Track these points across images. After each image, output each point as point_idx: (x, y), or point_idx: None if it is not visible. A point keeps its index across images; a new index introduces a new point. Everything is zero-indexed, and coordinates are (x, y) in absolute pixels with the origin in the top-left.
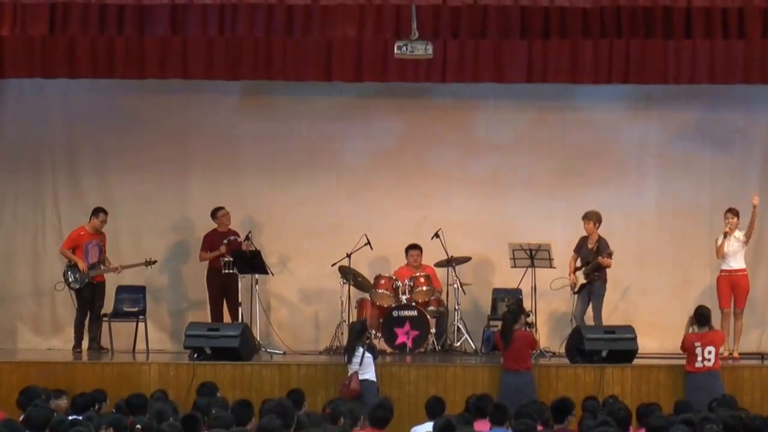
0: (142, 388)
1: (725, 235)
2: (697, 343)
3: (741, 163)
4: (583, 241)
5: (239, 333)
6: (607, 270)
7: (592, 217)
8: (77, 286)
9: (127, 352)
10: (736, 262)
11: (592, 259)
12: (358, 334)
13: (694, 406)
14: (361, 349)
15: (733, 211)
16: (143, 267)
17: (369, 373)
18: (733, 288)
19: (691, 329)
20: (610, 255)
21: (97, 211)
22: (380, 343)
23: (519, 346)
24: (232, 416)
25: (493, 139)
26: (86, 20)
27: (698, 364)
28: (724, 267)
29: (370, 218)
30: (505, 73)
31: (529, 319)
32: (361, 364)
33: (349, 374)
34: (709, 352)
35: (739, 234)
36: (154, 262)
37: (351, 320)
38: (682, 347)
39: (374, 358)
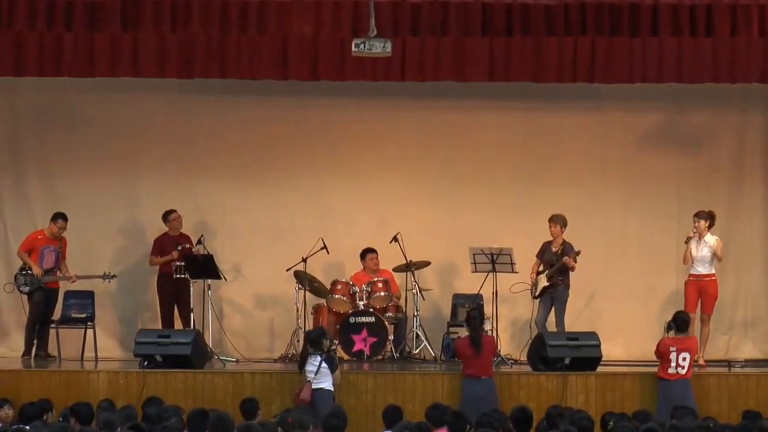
0: (91, 396)
1: (688, 238)
2: (673, 348)
3: (708, 165)
4: (546, 245)
5: (191, 340)
6: (571, 274)
7: (559, 221)
8: (26, 290)
9: (74, 360)
10: (704, 267)
11: (557, 261)
12: (312, 342)
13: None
14: (318, 358)
15: (700, 215)
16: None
17: (325, 383)
18: (700, 294)
19: (669, 333)
20: (576, 255)
21: (56, 217)
22: (337, 351)
23: (486, 352)
24: (180, 427)
25: (453, 140)
26: (33, 16)
27: (671, 371)
28: (692, 272)
29: (326, 222)
30: (466, 71)
31: (486, 326)
32: (317, 373)
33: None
34: (684, 359)
35: (710, 239)
36: (113, 276)
37: (307, 327)
38: (656, 352)
39: (332, 371)
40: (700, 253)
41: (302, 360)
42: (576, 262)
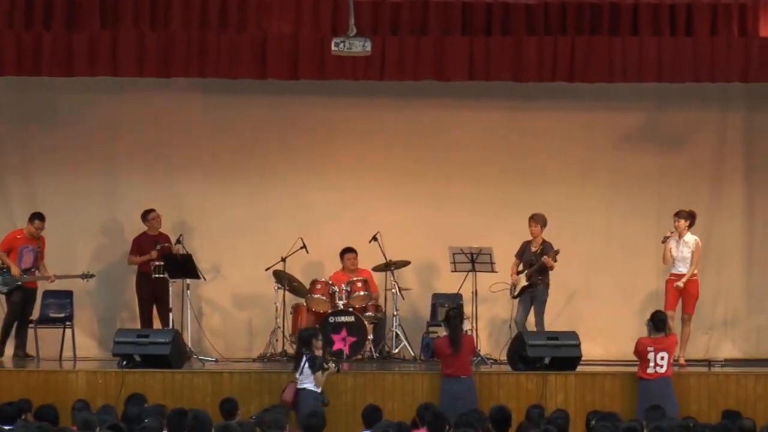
0: (69, 396)
1: (665, 238)
2: (650, 348)
3: (689, 165)
4: (526, 245)
5: (170, 340)
6: (552, 273)
7: (540, 220)
8: (4, 290)
9: (53, 360)
10: (686, 266)
11: (536, 261)
12: (303, 341)
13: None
14: (304, 358)
15: (680, 214)
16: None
17: (308, 383)
18: (681, 293)
19: (653, 334)
20: (556, 254)
21: (33, 217)
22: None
23: (465, 351)
24: (158, 427)
25: (433, 139)
26: (11, 15)
27: (650, 370)
28: (674, 271)
29: (306, 221)
30: (447, 71)
31: (465, 326)
32: (301, 373)
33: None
34: (662, 358)
35: (690, 239)
36: (92, 275)
37: (286, 327)
38: (635, 351)
39: (312, 371)
40: (681, 253)
41: (297, 360)
42: (556, 261)
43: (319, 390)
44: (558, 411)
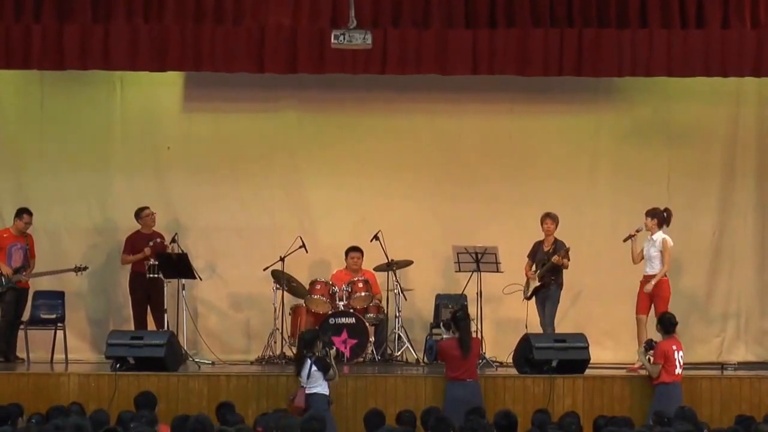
0: (61, 400)
1: (628, 236)
2: (674, 347)
3: (699, 161)
4: (538, 245)
5: (165, 342)
6: (563, 273)
7: (556, 219)
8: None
9: (44, 363)
10: (652, 267)
11: (548, 260)
12: (305, 344)
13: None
14: (308, 362)
15: (649, 213)
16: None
17: (318, 387)
18: (651, 296)
19: (646, 357)
20: (567, 251)
21: (20, 213)
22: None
23: (473, 354)
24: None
25: (436, 134)
26: (0, 7)
27: (678, 371)
28: (644, 273)
29: (305, 219)
30: (450, 64)
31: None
32: (308, 377)
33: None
34: (681, 356)
35: (657, 238)
36: (85, 268)
37: (285, 328)
38: (657, 359)
39: (324, 373)
40: (648, 253)
41: (298, 364)
42: (569, 259)
43: (327, 392)
44: (570, 415)
